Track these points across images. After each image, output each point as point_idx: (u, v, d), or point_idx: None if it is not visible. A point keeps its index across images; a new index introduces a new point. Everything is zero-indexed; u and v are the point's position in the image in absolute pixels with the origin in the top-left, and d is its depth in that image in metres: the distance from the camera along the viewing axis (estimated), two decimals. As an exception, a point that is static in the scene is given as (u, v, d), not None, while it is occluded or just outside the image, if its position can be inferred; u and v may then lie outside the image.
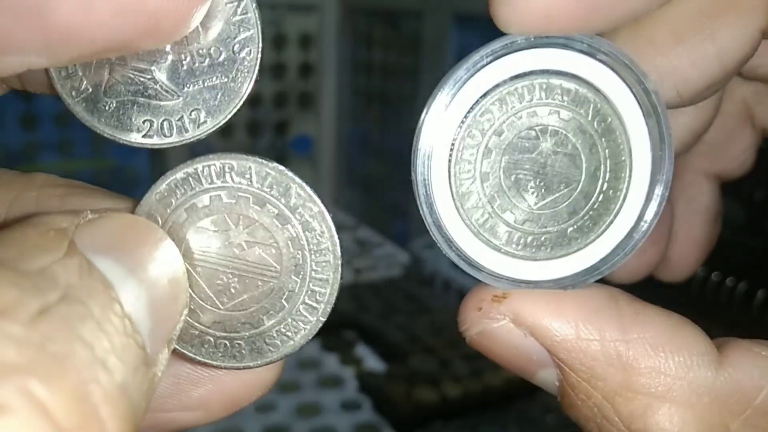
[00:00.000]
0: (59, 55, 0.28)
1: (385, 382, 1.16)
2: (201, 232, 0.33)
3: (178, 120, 0.33)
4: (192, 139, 0.33)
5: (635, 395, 0.31)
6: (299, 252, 0.33)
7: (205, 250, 0.33)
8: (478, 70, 0.33)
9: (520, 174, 0.34)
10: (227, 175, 0.32)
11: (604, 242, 0.34)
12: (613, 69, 0.33)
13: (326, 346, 1.26)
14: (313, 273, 0.34)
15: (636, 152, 0.34)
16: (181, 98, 0.32)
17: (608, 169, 0.34)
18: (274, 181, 0.32)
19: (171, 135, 0.33)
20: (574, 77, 0.33)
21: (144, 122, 0.32)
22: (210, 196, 0.33)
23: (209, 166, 0.32)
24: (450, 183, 0.33)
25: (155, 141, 0.33)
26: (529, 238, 0.34)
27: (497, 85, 0.33)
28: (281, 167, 0.33)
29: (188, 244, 0.33)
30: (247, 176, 0.32)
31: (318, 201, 0.33)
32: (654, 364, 0.31)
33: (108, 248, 0.27)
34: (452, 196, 0.33)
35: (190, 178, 0.32)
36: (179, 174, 0.32)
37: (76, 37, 0.27)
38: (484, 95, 0.33)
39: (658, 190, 0.34)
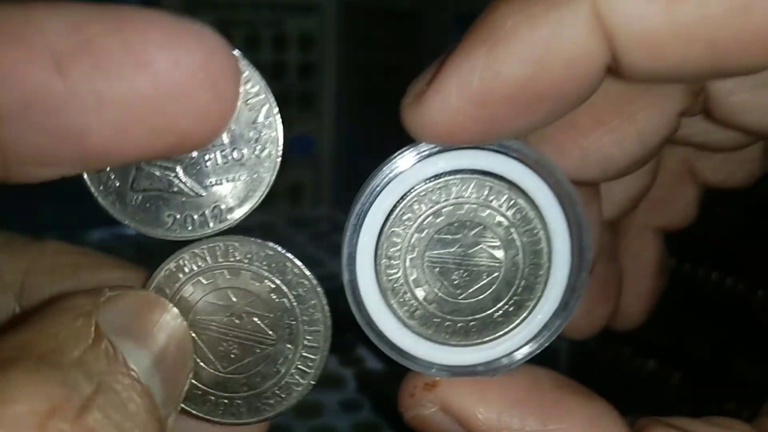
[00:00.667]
0: (92, 167, 0.31)
1: (385, 382, 1.17)
2: (205, 304, 0.36)
3: (200, 215, 0.34)
4: (212, 233, 0.35)
5: None
6: (293, 323, 0.37)
7: (209, 320, 0.36)
8: (393, 177, 0.35)
9: (443, 267, 0.35)
10: (230, 254, 0.36)
11: (529, 325, 0.36)
12: (525, 164, 0.35)
13: (326, 346, 1.27)
14: (305, 342, 0.37)
15: (554, 240, 0.35)
16: (203, 195, 0.34)
17: (528, 257, 0.35)
18: (272, 260, 0.36)
19: (194, 229, 0.35)
20: (487, 174, 0.35)
21: (168, 216, 0.34)
22: (214, 273, 0.36)
23: (215, 246, 0.36)
24: (377, 281, 0.35)
25: (178, 234, 0.35)
26: (458, 326, 0.36)
27: (413, 188, 0.35)
28: (279, 248, 0.36)
29: (194, 315, 0.36)
30: (249, 256, 0.36)
31: (311, 277, 0.37)
32: None
33: (128, 329, 0.29)
34: (380, 292, 0.36)
35: (197, 257, 0.36)
36: (187, 253, 0.35)
37: (110, 155, 0.30)
38: (402, 198, 0.35)
39: (581, 272, 0.35)
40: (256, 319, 0.37)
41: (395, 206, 0.35)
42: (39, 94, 0.27)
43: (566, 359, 1.03)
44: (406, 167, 0.34)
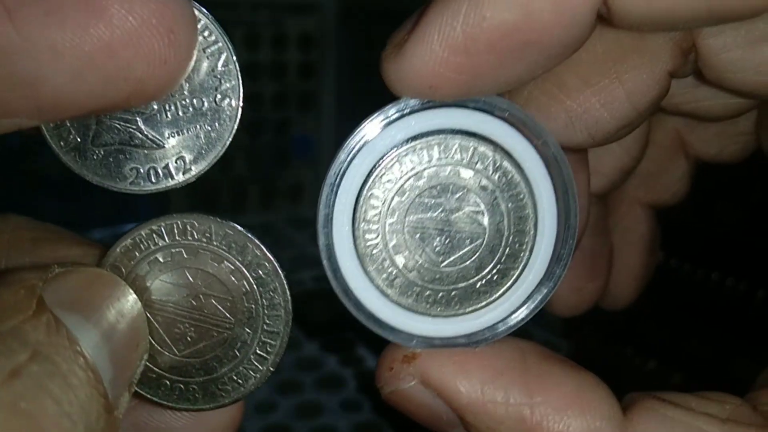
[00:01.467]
0: (49, 118, 0.31)
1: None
2: (162, 283, 0.35)
3: (164, 167, 0.34)
4: (178, 185, 0.35)
5: None
6: (253, 306, 0.36)
7: (165, 300, 0.35)
8: (376, 134, 0.33)
9: (424, 233, 0.34)
10: (188, 233, 0.35)
11: (513, 295, 0.34)
12: (511, 124, 0.33)
13: (326, 346, 1.26)
14: (264, 326, 0.36)
15: (540, 205, 0.34)
16: (165, 146, 0.34)
17: (512, 223, 0.34)
18: (231, 240, 0.35)
19: (158, 182, 0.34)
20: (471, 135, 0.33)
21: (131, 170, 0.34)
22: (171, 252, 0.35)
23: (172, 224, 0.35)
24: (355, 245, 0.34)
25: (143, 187, 0.34)
26: (439, 295, 0.34)
27: (394, 147, 0.33)
28: (239, 227, 0.35)
29: (149, 295, 0.35)
30: (207, 235, 0.35)
31: (272, 259, 0.35)
32: (558, 428, 0.31)
33: (73, 303, 0.29)
34: (358, 258, 0.34)
35: (154, 234, 0.35)
36: (144, 230, 0.35)
37: (66, 105, 0.29)
38: (382, 158, 0.33)
39: (567, 239, 0.34)
40: (213, 301, 0.36)
41: (375, 167, 0.33)
42: None
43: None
44: (386, 126, 0.33)
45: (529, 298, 0.34)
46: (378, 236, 0.34)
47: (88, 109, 0.30)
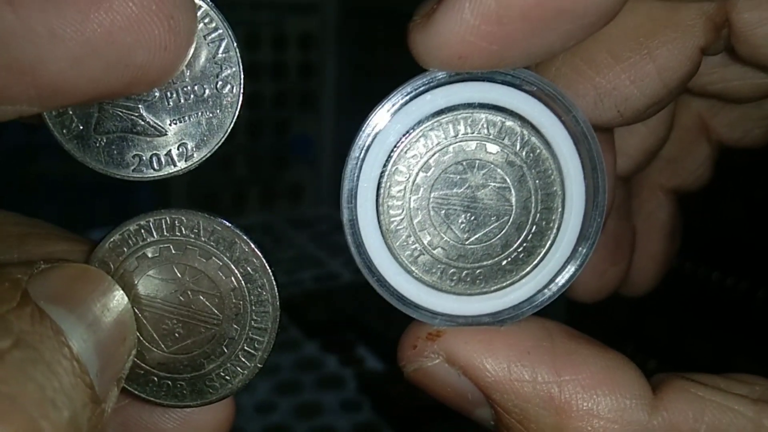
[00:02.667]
0: (49, 105, 0.30)
1: (385, 382, 1.16)
2: (150, 279, 0.35)
3: (166, 154, 0.34)
4: (180, 172, 0.34)
5: None
6: (240, 302, 0.36)
7: (153, 296, 0.35)
8: (401, 107, 0.32)
9: (449, 209, 0.33)
10: (176, 228, 0.35)
11: (539, 273, 0.34)
12: (539, 99, 0.32)
13: (326, 346, 1.26)
14: (252, 322, 0.36)
15: (568, 181, 0.33)
16: (168, 133, 0.34)
17: (539, 201, 0.33)
18: (220, 236, 0.35)
19: (161, 169, 0.34)
20: (499, 109, 0.32)
21: (134, 157, 0.34)
22: (160, 248, 0.35)
23: (160, 219, 0.35)
24: (378, 221, 0.33)
25: (145, 174, 0.34)
26: (464, 273, 0.34)
27: (420, 122, 0.32)
28: (227, 223, 0.35)
29: (137, 291, 0.35)
30: (196, 230, 0.35)
31: (260, 255, 0.35)
32: (587, 407, 0.31)
33: (59, 297, 0.29)
34: (381, 234, 0.33)
35: (143, 230, 0.35)
36: (132, 225, 0.35)
37: (67, 91, 0.29)
38: (408, 132, 0.32)
39: (595, 217, 0.33)
40: (202, 298, 0.35)
41: (400, 141, 0.32)
42: None
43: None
44: (412, 99, 0.32)
45: (555, 276, 0.34)
46: (402, 212, 0.33)
47: (89, 96, 0.30)
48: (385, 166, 0.33)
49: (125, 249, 0.35)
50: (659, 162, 0.46)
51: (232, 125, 0.34)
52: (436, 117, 0.32)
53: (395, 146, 0.33)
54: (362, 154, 0.32)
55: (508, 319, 0.33)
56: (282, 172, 1.70)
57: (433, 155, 0.33)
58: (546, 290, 0.34)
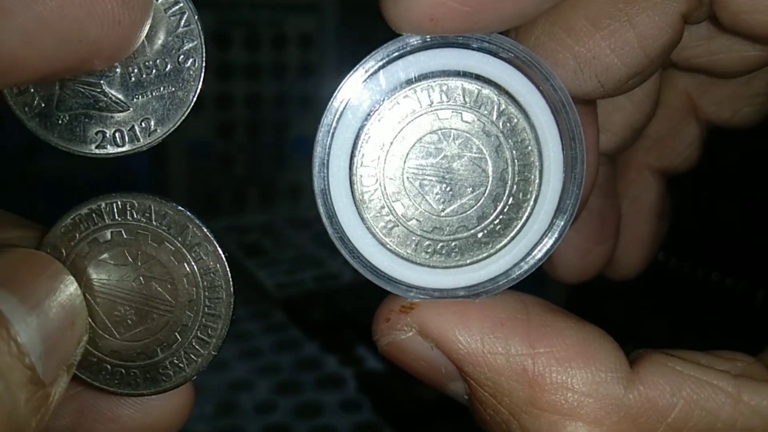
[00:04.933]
0: (4, 81, 0.30)
1: (385, 382, 1.15)
2: (102, 265, 0.35)
3: (130, 130, 0.34)
4: (144, 148, 0.34)
5: (541, 412, 0.30)
6: (193, 288, 0.35)
7: (105, 282, 0.35)
8: (374, 74, 0.32)
9: (424, 180, 0.33)
10: (128, 212, 0.34)
11: (516, 246, 0.33)
12: (516, 67, 0.32)
13: (326, 346, 1.26)
14: (206, 309, 0.35)
15: (546, 152, 0.32)
16: (131, 109, 0.34)
17: (516, 171, 0.33)
18: (171, 220, 0.35)
19: (123, 144, 0.34)
20: (474, 77, 0.32)
21: (96, 133, 0.34)
22: (111, 232, 0.35)
23: (112, 203, 0.34)
24: (352, 191, 0.32)
25: (109, 151, 0.34)
26: (439, 245, 0.33)
27: (394, 89, 0.32)
28: (180, 207, 0.35)
29: (89, 276, 0.35)
30: (147, 214, 0.34)
31: (213, 241, 0.35)
32: (561, 380, 0.30)
33: (3, 281, 0.29)
34: (354, 204, 0.33)
35: (94, 214, 0.34)
36: (83, 210, 0.34)
37: (21, 67, 0.28)
38: (381, 100, 0.32)
39: (573, 189, 0.32)
40: (154, 284, 0.35)
41: (372, 110, 0.32)
42: None
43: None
44: (385, 65, 0.32)
45: (532, 250, 0.33)
46: (376, 182, 0.32)
47: (44, 72, 0.30)
48: (357, 134, 0.32)
49: (77, 234, 0.34)
50: (646, 141, 0.45)
51: (194, 99, 0.34)
52: (409, 85, 0.32)
53: (368, 114, 0.32)
54: (334, 122, 0.32)
55: (483, 293, 0.33)
56: (282, 172, 1.70)
57: (407, 124, 0.32)
58: (523, 263, 0.33)
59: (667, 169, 0.48)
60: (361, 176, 0.32)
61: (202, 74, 0.33)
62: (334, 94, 0.32)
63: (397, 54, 0.32)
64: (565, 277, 0.45)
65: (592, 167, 0.38)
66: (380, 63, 0.32)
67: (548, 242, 0.33)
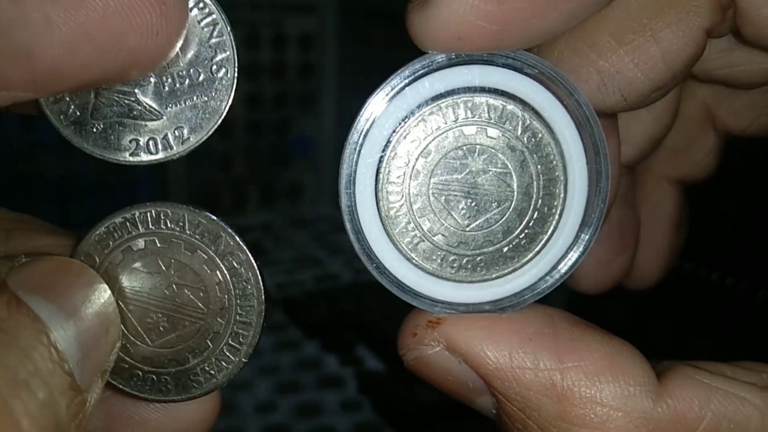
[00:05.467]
0: (45, 91, 0.31)
1: (385, 382, 1.16)
2: (135, 273, 0.35)
3: (163, 138, 0.34)
4: (176, 156, 0.35)
5: (570, 426, 0.30)
6: (225, 296, 0.36)
7: (138, 290, 0.35)
8: (400, 91, 0.32)
9: (449, 195, 0.33)
10: (162, 221, 0.35)
11: (541, 260, 0.33)
12: (541, 83, 0.32)
13: (326, 346, 1.26)
14: (237, 317, 0.36)
15: (570, 167, 0.33)
16: (164, 117, 0.34)
17: (541, 186, 0.33)
18: (205, 229, 0.35)
19: (157, 152, 0.34)
20: (499, 93, 0.32)
21: (131, 142, 0.34)
22: (145, 240, 0.35)
23: (146, 212, 0.35)
24: (378, 207, 0.33)
25: (143, 158, 0.34)
26: (464, 260, 0.33)
27: (419, 106, 0.32)
28: (213, 217, 0.35)
29: (122, 284, 0.35)
30: (181, 223, 0.35)
31: (245, 249, 0.35)
32: (590, 394, 0.30)
33: (38, 288, 0.29)
34: (381, 220, 0.33)
35: (128, 223, 0.35)
36: (117, 219, 0.35)
37: (61, 77, 0.29)
38: (407, 117, 0.32)
39: (597, 203, 0.33)
40: (187, 291, 0.35)
41: (399, 126, 0.32)
42: None
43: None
44: (411, 82, 0.32)
45: (558, 263, 0.33)
46: (402, 198, 0.33)
47: (84, 81, 0.30)
48: (383, 151, 0.32)
49: (110, 242, 0.35)
50: (664, 152, 0.45)
51: (227, 109, 0.34)
52: (435, 101, 0.32)
53: (394, 131, 0.32)
54: (360, 139, 0.32)
55: (509, 307, 0.33)
56: (282, 172, 1.70)
57: (432, 140, 0.32)
58: (548, 277, 0.33)
59: (685, 178, 0.48)
60: (387, 192, 0.33)
61: (235, 84, 0.34)
62: (361, 112, 0.32)
63: (422, 71, 0.32)
64: (586, 288, 0.45)
65: (615, 179, 0.38)
66: (406, 81, 0.32)
67: (573, 256, 0.33)
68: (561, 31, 0.31)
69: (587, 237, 0.33)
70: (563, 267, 0.33)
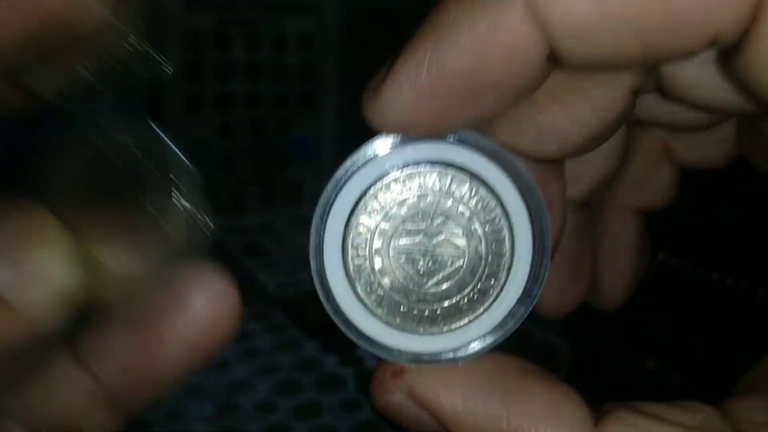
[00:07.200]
0: None
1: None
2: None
3: None
4: None
5: None
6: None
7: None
8: (359, 168, 0.36)
9: (409, 255, 0.37)
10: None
11: (493, 313, 0.37)
12: (485, 155, 0.36)
13: (326, 346, 1.26)
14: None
15: (516, 227, 0.36)
16: None
17: (490, 245, 0.36)
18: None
19: None
20: (449, 165, 0.36)
21: None
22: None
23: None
24: (345, 270, 0.37)
25: None
26: (425, 314, 0.37)
27: (378, 179, 0.36)
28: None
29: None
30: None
31: None
32: None
33: None
34: (348, 281, 0.37)
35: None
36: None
37: None
38: (367, 189, 0.36)
39: (542, 259, 0.36)
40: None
41: (361, 197, 0.36)
42: None
43: (567, 359, 1.03)
44: (368, 161, 0.36)
45: (509, 315, 0.37)
46: (366, 260, 0.36)
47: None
48: (348, 219, 0.36)
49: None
50: (624, 184, 0.48)
51: None
52: (393, 173, 0.36)
53: (357, 201, 0.36)
54: (326, 211, 0.36)
55: (464, 358, 0.37)
56: (282, 172, 1.71)
57: (391, 208, 0.36)
58: (501, 327, 0.37)
59: (645, 207, 0.51)
60: (353, 257, 0.36)
61: None
62: (325, 188, 0.36)
63: (384, 150, 0.36)
64: (545, 314, 0.48)
65: (559, 221, 0.41)
66: (366, 159, 0.36)
67: (522, 308, 0.37)
68: (493, 118, 0.35)
69: (535, 290, 0.37)
70: (514, 318, 0.37)
